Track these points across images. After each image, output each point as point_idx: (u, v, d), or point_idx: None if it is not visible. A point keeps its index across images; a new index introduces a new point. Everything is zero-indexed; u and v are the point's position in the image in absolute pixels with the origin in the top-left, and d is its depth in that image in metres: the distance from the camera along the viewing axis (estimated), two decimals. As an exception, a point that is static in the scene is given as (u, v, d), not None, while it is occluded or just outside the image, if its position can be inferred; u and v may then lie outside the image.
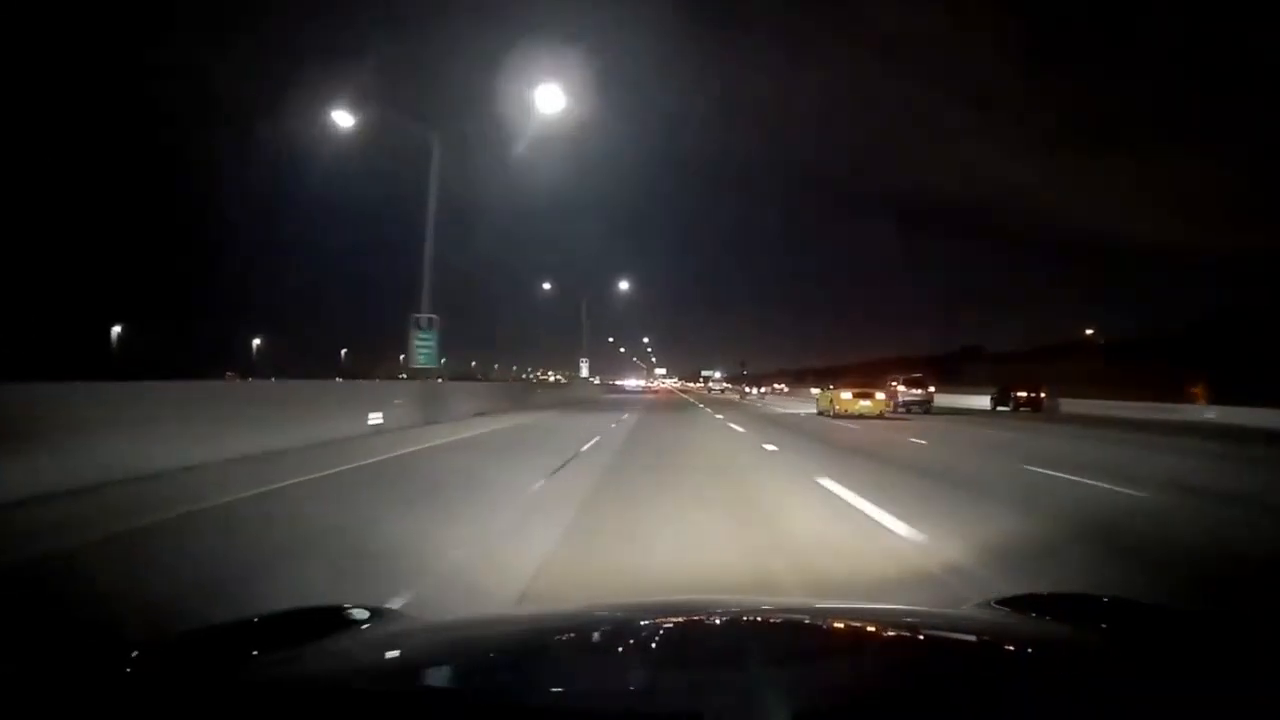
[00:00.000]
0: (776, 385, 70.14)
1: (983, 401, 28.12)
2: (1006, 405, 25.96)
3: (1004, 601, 1.36)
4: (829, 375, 30.90)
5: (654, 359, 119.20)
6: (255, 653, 0.96)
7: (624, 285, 39.27)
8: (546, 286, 37.75)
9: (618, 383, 76.49)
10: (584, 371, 42.93)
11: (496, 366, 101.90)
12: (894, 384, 22.73)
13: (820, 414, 20.21)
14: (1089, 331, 42.53)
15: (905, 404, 21.99)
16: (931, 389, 23.62)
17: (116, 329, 45.37)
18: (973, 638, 1.18)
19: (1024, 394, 25.79)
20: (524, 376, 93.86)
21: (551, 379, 75.94)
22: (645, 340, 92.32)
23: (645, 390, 66.95)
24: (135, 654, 0.91)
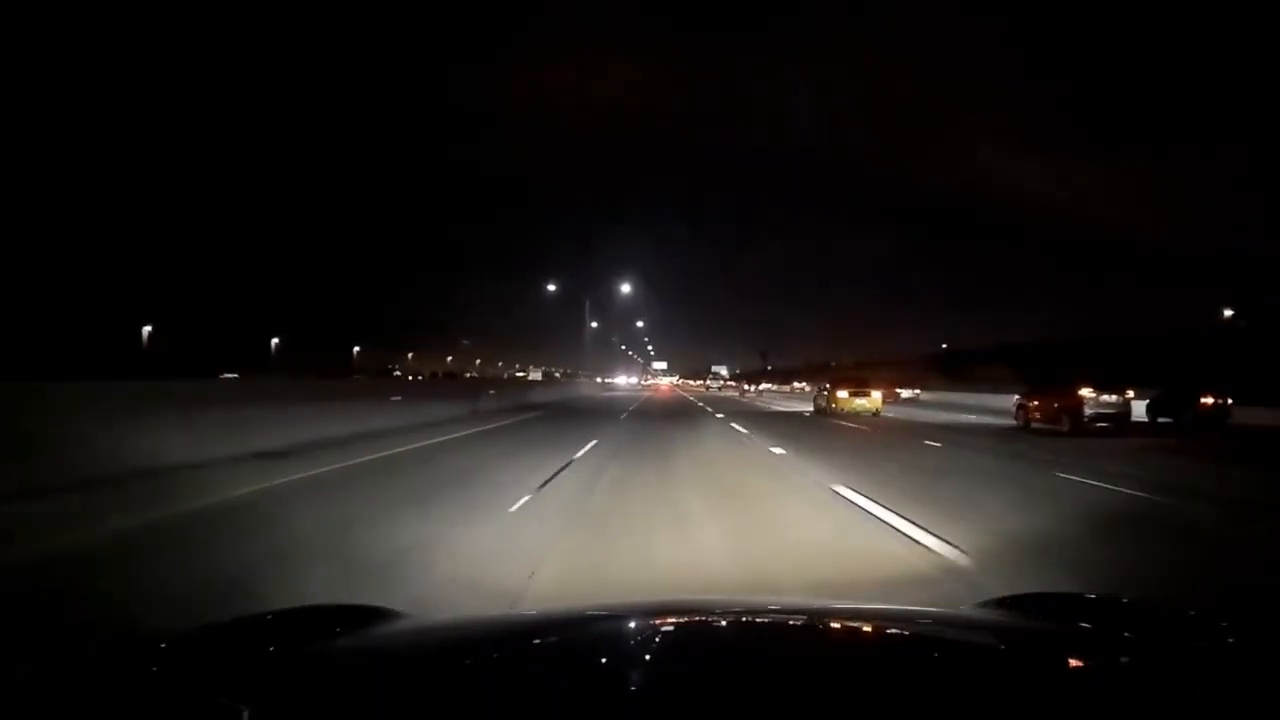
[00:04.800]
0: (797, 384, 63.11)
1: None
2: (1173, 415, 18.23)
3: (1003, 601, 1.35)
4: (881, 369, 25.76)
5: (652, 351, 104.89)
6: (256, 653, 0.99)
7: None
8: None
9: (599, 379, 58.85)
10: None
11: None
12: (1083, 388, 14.89)
13: (818, 412, 19.82)
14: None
15: (1093, 416, 14.78)
16: (1130, 394, 15.78)
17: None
18: (972, 638, 1.17)
19: (1210, 400, 18.25)
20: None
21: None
22: (637, 314, 73.02)
23: (644, 390, 53.87)
24: (140, 654, 0.94)
